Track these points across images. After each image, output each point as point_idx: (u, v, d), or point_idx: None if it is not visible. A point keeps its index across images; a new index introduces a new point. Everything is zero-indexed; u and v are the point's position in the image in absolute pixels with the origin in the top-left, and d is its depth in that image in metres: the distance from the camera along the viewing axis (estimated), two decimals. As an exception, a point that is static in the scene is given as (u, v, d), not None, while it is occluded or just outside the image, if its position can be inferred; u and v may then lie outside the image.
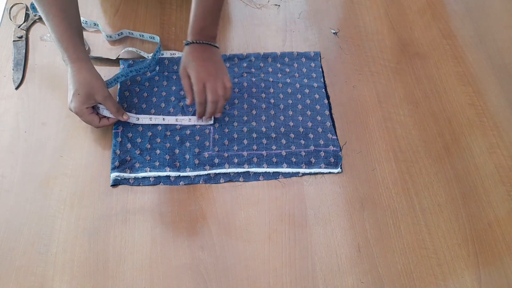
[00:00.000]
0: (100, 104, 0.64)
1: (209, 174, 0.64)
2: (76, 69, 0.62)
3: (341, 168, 0.65)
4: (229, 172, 0.64)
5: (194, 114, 0.69)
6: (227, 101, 0.67)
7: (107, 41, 0.77)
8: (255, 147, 0.67)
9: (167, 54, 0.74)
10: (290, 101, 0.71)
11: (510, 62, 0.76)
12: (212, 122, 0.68)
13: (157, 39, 0.75)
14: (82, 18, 0.77)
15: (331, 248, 0.59)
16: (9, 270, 0.56)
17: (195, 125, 0.68)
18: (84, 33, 0.77)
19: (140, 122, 0.67)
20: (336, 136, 0.68)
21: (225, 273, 0.57)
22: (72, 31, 0.62)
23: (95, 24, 0.77)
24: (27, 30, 0.77)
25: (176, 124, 0.68)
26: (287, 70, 0.75)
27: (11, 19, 0.77)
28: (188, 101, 0.66)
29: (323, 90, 0.73)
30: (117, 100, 0.70)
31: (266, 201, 0.62)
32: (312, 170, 0.65)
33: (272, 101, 0.71)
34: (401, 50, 0.78)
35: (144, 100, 0.70)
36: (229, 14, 0.82)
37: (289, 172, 0.65)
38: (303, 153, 0.66)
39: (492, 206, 0.62)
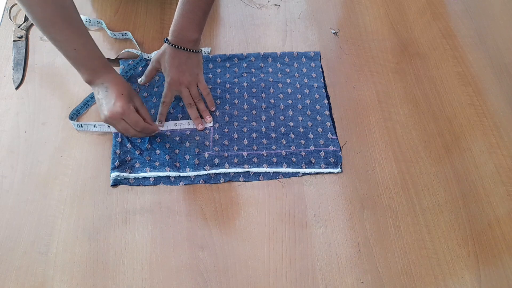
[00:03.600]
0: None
1: (209, 174, 0.64)
2: (111, 78, 0.61)
3: (341, 168, 0.65)
4: (229, 172, 0.64)
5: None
6: (212, 103, 0.69)
7: (107, 41, 0.77)
8: (255, 147, 0.67)
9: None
10: (290, 101, 0.71)
11: (510, 62, 0.76)
12: (211, 124, 0.68)
13: (145, 55, 0.74)
14: (85, 17, 0.77)
15: (331, 248, 0.59)
16: (9, 270, 0.56)
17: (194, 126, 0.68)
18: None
19: None
20: (336, 136, 0.68)
21: (225, 273, 0.57)
22: (93, 48, 0.60)
23: (98, 22, 0.77)
24: (27, 30, 0.77)
25: (175, 124, 0.68)
26: (287, 70, 0.75)
27: (11, 19, 0.77)
28: (141, 81, 0.68)
29: (323, 90, 0.73)
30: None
31: (266, 201, 0.62)
32: (312, 170, 0.65)
33: (272, 101, 0.71)
34: (401, 50, 0.78)
35: (144, 100, 0.70)
36: (229, 14, 0.82)
37: (289, 172, 0.65)
38: (303, 153, 0.66)
39: (492, 206, 0.62)
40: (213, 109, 0.69)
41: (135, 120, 0.60)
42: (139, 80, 0.69)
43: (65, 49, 0.59)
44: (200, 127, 0.67)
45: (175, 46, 0.63)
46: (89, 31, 0.60)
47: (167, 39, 0.64)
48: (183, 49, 0.63)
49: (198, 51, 0.65)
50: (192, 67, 0.66)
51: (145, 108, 0.64)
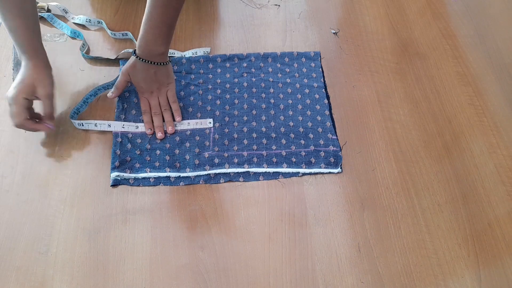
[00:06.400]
0: (39, 100, 0.62)
1: (209, 174, 0.64)
2: (32, 65, 0.62)
3: (341, 168, 0.65)
4: (229, 172, 0.64)
5: (194, 115, 0.69)
6: (177, 113, 0.68)
7: (107, 41, 0.77)
8: (255, 147, 0.67)
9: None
10: (290, 101, 0.71)
11: (510, 62, 0.76)
12: (211, 125, 0.68)
13: None
14: (85, 17, 0.77)
15: (331, 248, 0.59)
16: (9, 270, 0.56)
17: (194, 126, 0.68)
18: (85, 32, 0.77)
19: (139, 130, 0.67)
20: (336, 136, 0.68)
21: (225, 273, 0.57)
22: (30, 33, 0.61)
23: (99, 22, 0.77)
24: (27, 30, 0.76)
25: (176, 125, 0.68)
26: (287, 70, 0.75)
27: (11, 19, 0.77)
28: (111, 95, 0.67)
29: (323, 90, 0.73)
30: (117, 100, 0.70)
31: (266, 201, 0.62)
32: (312, 170, 0.65)
33: (272, 101, 0.71)
34: (401, 50, 0.78)
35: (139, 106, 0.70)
36: (229, 14, 0.82)
37: (289, 172, 0.65)
38: (303, 153, 0.66)
39: (492, 206, 0.62)
40: (178, 119, 0.68)
41: (15, 113, 0.60)
42: (108, 94, 0.67)
43: (7, 24, 0.60)
44: (159, 135, 0.66)
45: (143, 60, 0.64)
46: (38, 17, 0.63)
47: (134, 52, 0.65)
48: (151, 63, 0.64)
49: (166, 63, 0.66)
50: (162, 78, 0.67)
51: (50, 101, 0.63)
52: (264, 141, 0.67)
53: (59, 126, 0.67)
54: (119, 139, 0.66)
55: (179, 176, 0.64)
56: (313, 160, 0.65)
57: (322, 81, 0.74)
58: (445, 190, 0.64)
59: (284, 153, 0.66)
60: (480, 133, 0.69)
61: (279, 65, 0.75)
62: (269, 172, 0.65)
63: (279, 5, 0.83)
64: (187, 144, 0.66)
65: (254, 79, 0.73)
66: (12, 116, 0.60)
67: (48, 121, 0.63)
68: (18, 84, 0.60)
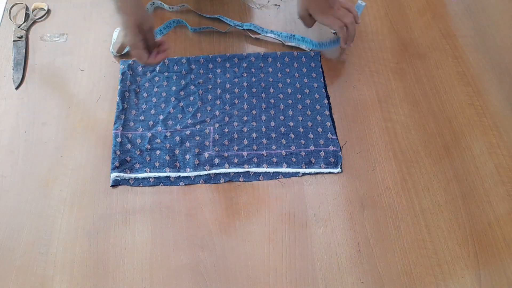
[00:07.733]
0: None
1: (209, 174, 0.64)
2: (122, 1, 0.62)
3: (341, 168, 0.65)
4: (229, 172, 0.64)
5: (194, 115, 0.69)
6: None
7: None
8: (255, 147, 0.67)
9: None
10: (290, 101, 0.71)
11: (510, 62, 0.76)
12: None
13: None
14: None
15: (331, 248, 0.59)
16: (9, 270, 0.56)
17: (195, 125, 0.68)
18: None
19: (139, 131, 0.67)
20: (336, 136, 0.68)
21: (225, 273, 0.57)
22: None
23: None
24: (27, 30, 0.77)
25: (176, 125, 0.68)
26: (287, 70, 0.75)
27: (11, 19, 0.77)
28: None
29: (323, 90, 0.73)
30: (117, 100, 0.70)
31: (266, 201, 0.62)
32: (312, 170, 0.65)
33: (272, 101, 0.71)
34: (401, 50, 0.78)
35: (144, 101, 0.70)
36: (229, 15, 0.82)
37: (289, 172, 0.65)
38: (303, 153, 0.66)
39: (492, 206, 0.62)
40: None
41: (137, 56, 0.63)
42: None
43: None
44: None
45: None
46: None
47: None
48: None
49: None
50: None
51: (152, 32, 0.64)
52: (264, 141, 0.67)
53: (59, 126, 0.67)
54: (119, 139, 0.66)
55: (179, 176, 0.64)
56: (313, 160, 0.65)
57: (322, 81, 0.74)
58: (445, 190, 0.64)
59: (284, 153, 0.66)
60: (480, 133, 0.69)
61: (279, 65, 0.75)
62: (269, 172, 0.65)
63: (279, 5, 0.83)
64: (187, 144, 0.66)
65: (254, 79, 0.73)
66: (138, 58, 0.64)
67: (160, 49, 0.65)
68: (127, 31, 0.62)
